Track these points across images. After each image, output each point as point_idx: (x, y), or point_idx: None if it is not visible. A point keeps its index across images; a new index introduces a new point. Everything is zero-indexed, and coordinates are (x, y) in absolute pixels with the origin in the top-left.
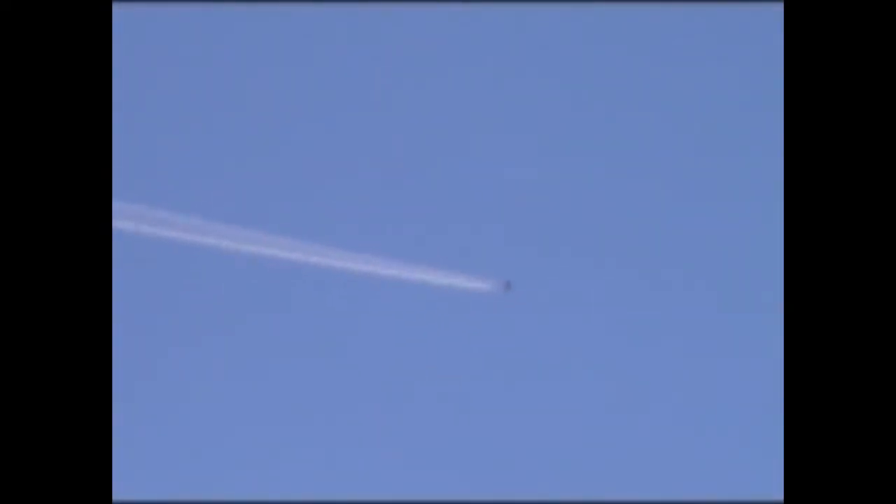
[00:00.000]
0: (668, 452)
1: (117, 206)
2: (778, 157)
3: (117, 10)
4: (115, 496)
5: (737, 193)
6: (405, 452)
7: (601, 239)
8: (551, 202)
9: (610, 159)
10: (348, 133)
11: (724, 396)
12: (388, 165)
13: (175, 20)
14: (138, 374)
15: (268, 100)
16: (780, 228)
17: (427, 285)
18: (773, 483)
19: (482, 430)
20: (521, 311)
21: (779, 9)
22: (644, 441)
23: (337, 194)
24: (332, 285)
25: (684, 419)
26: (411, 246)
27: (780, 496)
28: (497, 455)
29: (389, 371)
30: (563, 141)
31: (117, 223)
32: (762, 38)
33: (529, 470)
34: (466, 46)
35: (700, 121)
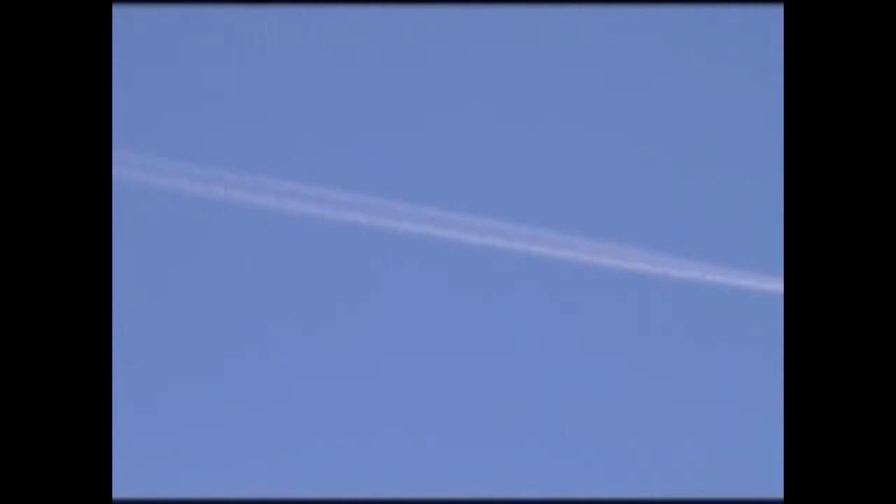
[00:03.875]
0: (668, 452)
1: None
2: (778, 157)
3: (117, 11)
4: (115, 496)
5: (736, 192)
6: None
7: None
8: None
9: (608, 159)
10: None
11: (725, 396)
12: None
13: (175, 20)
14: (138, 371)
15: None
16: (780, 227)
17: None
18: (774, 483)
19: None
20: None
21: (779, 9)
22: (644, 440)
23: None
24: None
25: (684, 419)
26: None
27: (780, 496)
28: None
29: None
30: (565, 140)
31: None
32: (762, 38)
33: (511, 460)
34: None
35: (699, 121)
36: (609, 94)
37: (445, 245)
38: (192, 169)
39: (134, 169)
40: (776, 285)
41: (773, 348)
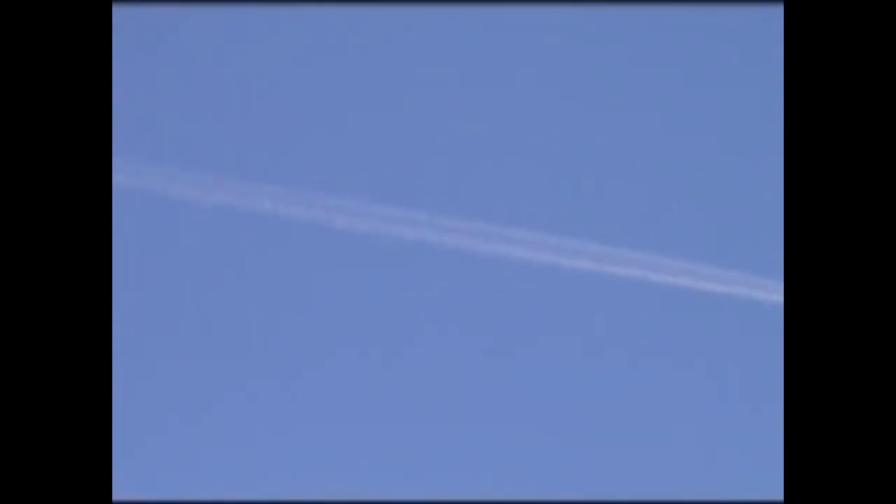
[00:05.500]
0: (668, 452)
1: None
2: (778, 158)
3: (117, 11)
4: (115, 496)
5: (736, 194)
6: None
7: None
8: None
9: (607, 161)
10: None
11: (725, 396)
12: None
13: (175, 20)
14: (138, 371)
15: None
16: (780, 228)
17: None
18: (774, 483)
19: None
20: None
21: (779, 9)
22: (644, 440)
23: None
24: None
25: (684, 418)
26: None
27: (780, 496)
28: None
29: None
30: (557, 142)
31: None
32: (762, 38)
33: (508, 462)
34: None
35: (699, 122)
36: (608, 94)
37: (450, 252)
38: (197, 177)
39: (135, 173)
40: (776, 295)
41: (774, 356)
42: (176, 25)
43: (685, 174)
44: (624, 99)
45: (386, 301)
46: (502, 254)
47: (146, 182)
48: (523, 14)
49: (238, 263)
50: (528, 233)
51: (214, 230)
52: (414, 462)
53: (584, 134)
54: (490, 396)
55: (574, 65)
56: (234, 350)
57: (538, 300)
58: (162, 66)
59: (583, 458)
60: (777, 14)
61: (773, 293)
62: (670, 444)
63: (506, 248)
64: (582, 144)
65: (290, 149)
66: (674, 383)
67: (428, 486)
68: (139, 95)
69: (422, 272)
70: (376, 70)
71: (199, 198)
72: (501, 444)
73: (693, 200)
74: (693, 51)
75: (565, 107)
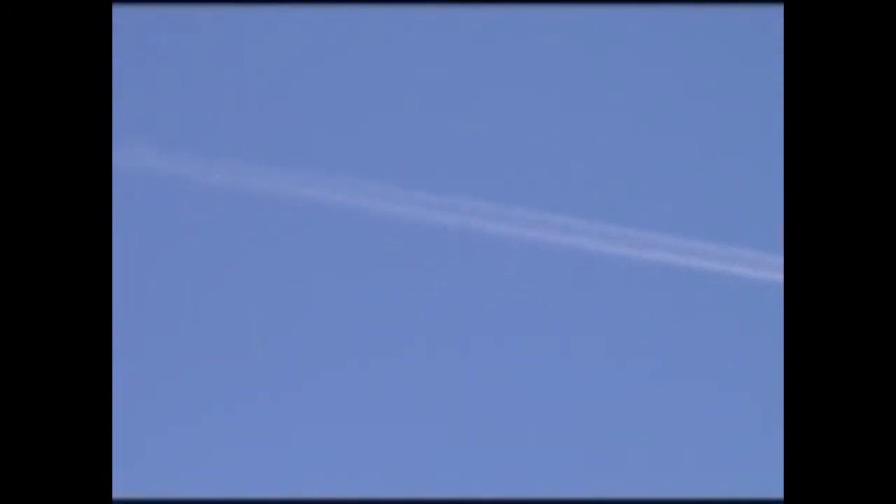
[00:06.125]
0: (667, 451)
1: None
2: (778, 158)
3: (117, 11)
4: (115, 496)
5: (736, 194)
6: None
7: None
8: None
9: (606, 162)
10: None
11: (724, 395)
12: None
13: (175, 20)
14: (138, 372)
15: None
16: (780, 228)
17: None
18: (774, 483)
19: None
20: None
21: (779, 9)
22: (643, 439)
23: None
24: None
25: (683, 418)
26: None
27: (781, 496)
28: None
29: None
30: (555, 144)
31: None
32: (762, 38)
33: (508, 458)
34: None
35: (698, 122)
36: (607, 94)
37: (455, 233)
38: (223, 165)
39: (137, 171)
40: (776, 275)
41: (774, 342)
42: (175, 25)
43: (685, 172)
44: (625, 98)
45: (426, 290)
46: (493, 233)
47: (152, 178)
48: (541, 12)
49: (268, 251)
50: (515, 209)
51: (248, 218)
52: (428, 461)
53: (581, 133)
54: (513, 394)
55: (574, 65)
56: (242, 349)
57: (527, 278)
58: (162, 66)
59: (582, 456)
60: (777, 14)
61: (766, 274)
62: (670, 442)
63: (497, 226)
64: (582, 143)
65: (317, 140)
66: (681, 381)
67: (444, 486)
68: (139, 96)
69: (465, 259)
70: (405, 64)
71: (228, 186)
72: (514, 440)
73: (693, 196)
74: (692, 50)
75: (568, 106)
